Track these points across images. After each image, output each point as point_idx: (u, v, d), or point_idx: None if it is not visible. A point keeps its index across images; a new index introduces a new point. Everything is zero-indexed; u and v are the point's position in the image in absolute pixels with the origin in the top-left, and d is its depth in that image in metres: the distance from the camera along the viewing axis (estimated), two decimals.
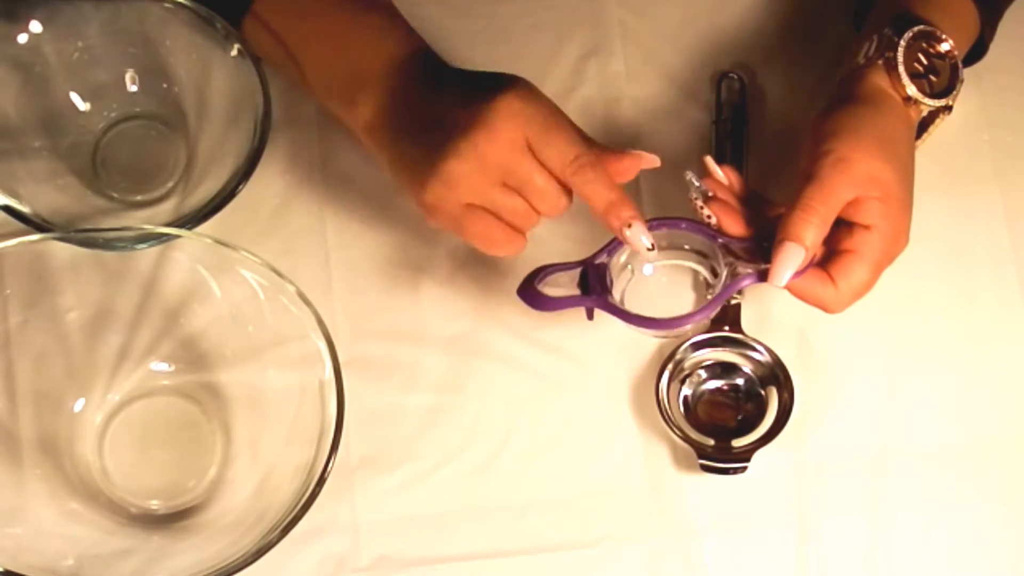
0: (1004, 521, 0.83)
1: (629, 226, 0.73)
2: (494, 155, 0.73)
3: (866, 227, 0.74)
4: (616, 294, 0.77)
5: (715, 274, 0.78)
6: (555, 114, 0.74)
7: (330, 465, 0.73)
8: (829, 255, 0.75)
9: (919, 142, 0.81)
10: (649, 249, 0.74)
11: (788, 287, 0.74)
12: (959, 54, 0.80)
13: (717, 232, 0.76)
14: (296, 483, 0.74)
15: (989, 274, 0.87)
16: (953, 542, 0.83)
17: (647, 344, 0.84)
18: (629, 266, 0.79)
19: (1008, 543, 0.83)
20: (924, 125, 0.81)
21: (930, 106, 0.78)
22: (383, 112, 0.77)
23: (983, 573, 0.83)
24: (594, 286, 0.76)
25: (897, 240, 0.75)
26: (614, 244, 0.76)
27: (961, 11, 0.82)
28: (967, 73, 0.81)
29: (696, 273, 0.83)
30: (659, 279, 0.81)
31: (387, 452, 0.82)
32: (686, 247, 0.79)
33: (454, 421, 0.83)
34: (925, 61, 0.79)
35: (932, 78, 0.79)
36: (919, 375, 0.84)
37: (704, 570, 0.82)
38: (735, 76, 0.89)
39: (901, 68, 0.77)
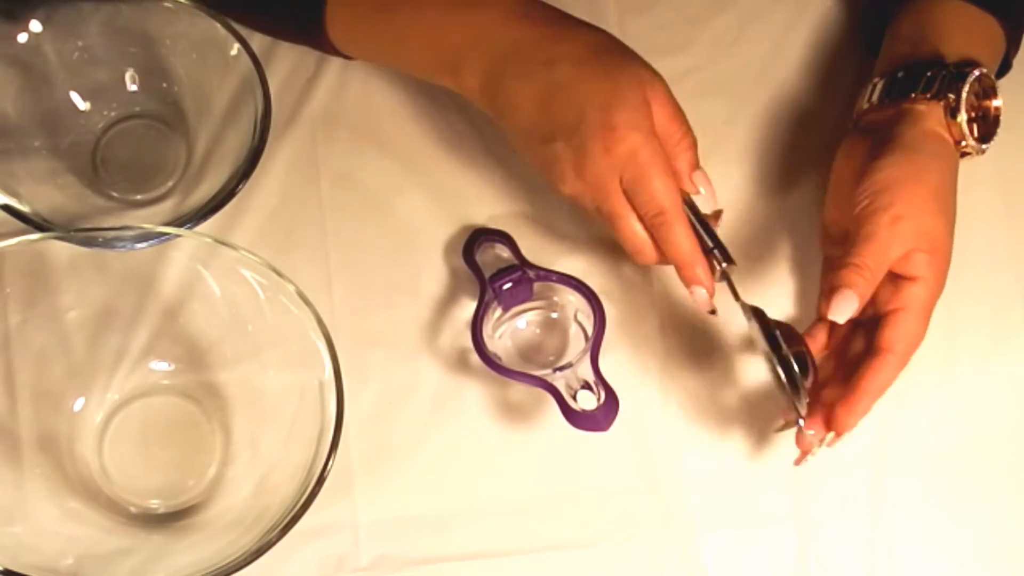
0: (1004, 520, 0.83)
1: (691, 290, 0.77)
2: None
3: (912, 279, 0.76)
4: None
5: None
6: (658, 151, 0.75)
7: (330, 465, 0.73)
8: (877, 321, 0.77)
9: None
10: (711, 312, 0.77)
11: (859, 404, 0.76)
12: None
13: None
14: (296, 482, 0.74)
15: (989, 274, 0.87)
16: (953, 542, 0.83)
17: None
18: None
19: (1008, 542, 0.83)
20: None
21: (977, 151, 0.79)
22: (492, 79, 0.76)
23: (983, 573, 0.83)
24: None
25: (940, 288, 0.77)
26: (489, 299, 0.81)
27: (989, 34, 0.82)
28: None
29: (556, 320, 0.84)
30: (532, 329, 0.84)
31: (387, 452, 0.82)
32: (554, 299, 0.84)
33: (454, 421, 0.83)
34: (977, 105, 0.80)
35: (978, 125, 0.80)
36: (919, 375, 0.84)
37: (704, 570, 0.82)
38: None
39: (963, 114, 0.78)
